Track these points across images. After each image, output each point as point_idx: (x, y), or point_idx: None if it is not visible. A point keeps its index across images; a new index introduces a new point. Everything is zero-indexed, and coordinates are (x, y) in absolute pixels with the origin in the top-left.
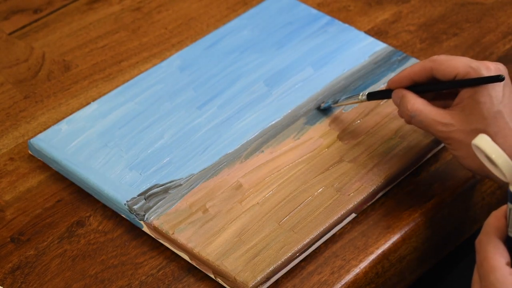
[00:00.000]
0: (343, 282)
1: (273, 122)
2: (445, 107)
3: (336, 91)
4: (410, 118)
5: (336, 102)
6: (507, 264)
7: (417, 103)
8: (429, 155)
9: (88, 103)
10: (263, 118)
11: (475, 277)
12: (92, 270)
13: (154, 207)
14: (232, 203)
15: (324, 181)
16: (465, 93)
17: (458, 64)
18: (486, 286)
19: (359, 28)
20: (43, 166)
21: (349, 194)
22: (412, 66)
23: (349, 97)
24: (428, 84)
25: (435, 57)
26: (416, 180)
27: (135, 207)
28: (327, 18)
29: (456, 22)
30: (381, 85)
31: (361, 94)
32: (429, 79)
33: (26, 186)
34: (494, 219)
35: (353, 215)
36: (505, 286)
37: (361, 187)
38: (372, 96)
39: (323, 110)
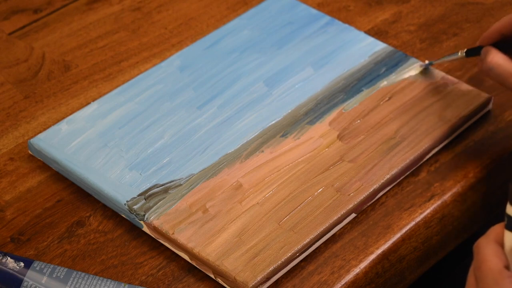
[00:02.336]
0: (343, 282)
1: (273, 122)
2: None
3: (336, 91)
4: (488, 71)
5: (437, 60)
6: (505, 267)
7: (496, 57)
8: (429, 155)
9: (88, 103)
10: (263, 118)
11: (471, 280)
12: (92, 270)
13: (154, 207)
14: (232, 203)
15: (324, 181)
16: None
17: None
18: None
19: (359, 28)
20: (43, 166)
21: (349, 194)
22: (500, 19)
23: (450, 55)
24: None
25: None
26: (416, 180)
27: (135, 207)
28: (327, 18)
29: (456, 22)
30: (381, 85)
31: (460, 51)
32: None
33: (26, 186)
34: (498, 227)
35: (353, 215)
36: None
37: (361, 187)
38: (470, 53)
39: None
